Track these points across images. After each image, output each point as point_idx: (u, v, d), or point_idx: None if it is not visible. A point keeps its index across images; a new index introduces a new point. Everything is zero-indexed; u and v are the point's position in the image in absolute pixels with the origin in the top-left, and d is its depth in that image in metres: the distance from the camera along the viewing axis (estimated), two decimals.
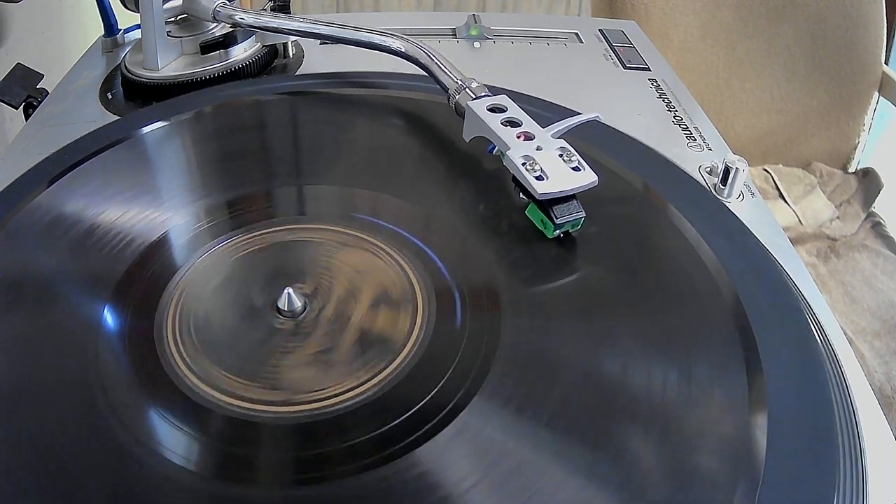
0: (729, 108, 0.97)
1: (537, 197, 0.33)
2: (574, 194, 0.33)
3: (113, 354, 0.29)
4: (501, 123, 0.36)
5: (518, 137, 0.35)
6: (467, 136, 0.39)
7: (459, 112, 0.39)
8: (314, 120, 0.45)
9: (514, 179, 0.35)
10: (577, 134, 0.37)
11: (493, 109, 0.37)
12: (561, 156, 0.34)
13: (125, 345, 0.30)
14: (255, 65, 0.50)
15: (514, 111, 0.37)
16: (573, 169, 0.34)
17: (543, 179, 0.33)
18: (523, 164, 0.34)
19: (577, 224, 0.34)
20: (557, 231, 0.34)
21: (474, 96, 0.39)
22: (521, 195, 0.35)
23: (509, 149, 0.35)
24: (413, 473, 0.25)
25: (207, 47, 0.49)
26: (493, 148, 0.37)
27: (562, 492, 0.24)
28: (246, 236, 0.35)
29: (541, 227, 0.34)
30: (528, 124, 0.36)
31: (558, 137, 0.36)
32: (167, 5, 0.49)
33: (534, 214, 0.35)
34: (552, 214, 0.33)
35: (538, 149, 0.35)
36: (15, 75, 0.51)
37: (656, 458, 0.25)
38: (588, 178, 0.34)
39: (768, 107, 0.97)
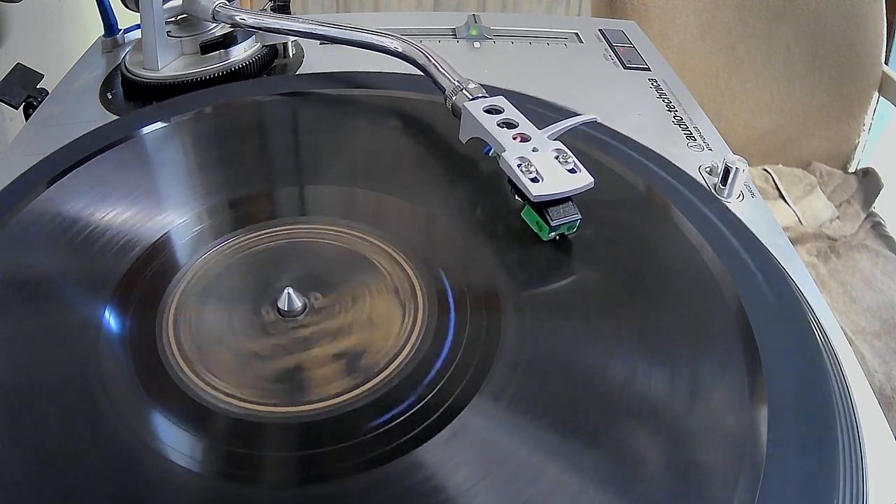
0: (729, 108, 0.97)
1: (532, 199, 0.33)
2: (570, 196, 0.33)
3: (114, 355, 0.29)
4: (497, 125, 0.36)
5: (514, 139, 0.35)
6: (464, 137, 0.39)
7: (456, 113, 0.39)
8: (313, 120, 0.45)
9: (510, 181, 0.35)
10: (575, 134, 0.37)
11: (490, 111, 0.37)
12: (557, 158, 0.34)
13: (126, 345, 0.30)
14: (254, 65, 0.50)
15: (511, 112, 0.37)
16: (569, 171, 0.34)
17: (539, 181, 0.33)
18: (519, 166, 0.34)
19: (573, 226, 0.34)
20: (553, 233, 0.34)
21: (471, 97, 0.39)
22: (517, 197, 0.35)
23: (505, 150, 0.35)
24: (413, 473, 0.25)
25: (207, 47, 0.49)
26: (490, 149, 0.37)
27: (562, 491, 0.24)
28: (245, 237, 0.35)
29: (536, 230, 0.34)
30: (525, 126, 0.36)
31: (555, 139, 0.36)
32: (167, 5, 0.49)
33: (529, 217, 0.34)
34: (547, 216, 0.33)
35: (534, 150, 0.34)
36: (15, 75, 0.51)
37: (657, 458, 0.25)
38: (584, 180, 0.33)
39: (768, 107, 0.97)
